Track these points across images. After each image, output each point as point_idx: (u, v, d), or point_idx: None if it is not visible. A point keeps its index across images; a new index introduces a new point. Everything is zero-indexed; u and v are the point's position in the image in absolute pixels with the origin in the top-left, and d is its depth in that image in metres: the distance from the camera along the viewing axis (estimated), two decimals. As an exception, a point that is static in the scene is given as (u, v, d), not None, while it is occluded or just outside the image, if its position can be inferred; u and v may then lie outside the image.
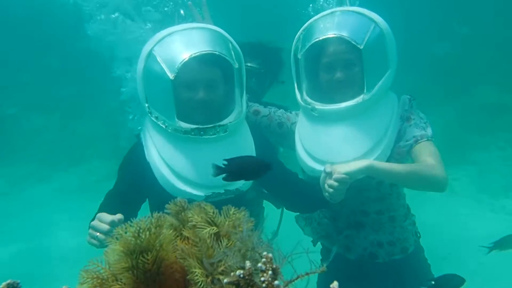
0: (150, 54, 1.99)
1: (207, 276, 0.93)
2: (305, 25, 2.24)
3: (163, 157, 2.01)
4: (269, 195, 2.38)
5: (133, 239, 0.92)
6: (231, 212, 1.08)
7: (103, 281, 0.94)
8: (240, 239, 0.92)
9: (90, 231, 1.72)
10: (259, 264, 0.83)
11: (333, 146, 2.14)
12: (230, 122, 2.04)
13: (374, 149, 2.10)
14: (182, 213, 1.10)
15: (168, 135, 2.02)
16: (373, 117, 2.15)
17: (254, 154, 2.13)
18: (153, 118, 2.02)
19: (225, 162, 1.70)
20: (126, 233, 0.93)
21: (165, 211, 1.13)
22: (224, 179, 1.71)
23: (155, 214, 0.98)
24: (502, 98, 8.48)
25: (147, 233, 0.92)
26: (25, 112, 9.99)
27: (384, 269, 2.33)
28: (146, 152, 2.07)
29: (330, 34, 2.09)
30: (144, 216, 0.99)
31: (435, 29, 9.10)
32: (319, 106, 2.17)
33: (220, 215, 1.06)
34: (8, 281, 0.85)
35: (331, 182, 1.91)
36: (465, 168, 7.24)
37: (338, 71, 2.13)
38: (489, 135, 7.97)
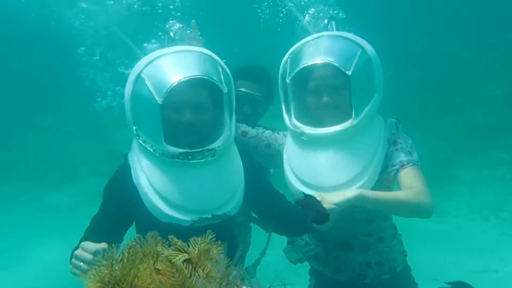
0: (138, 77, 1.97)
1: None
2: (293, 48, 2.25)
3: (150, 180, 1.97)
4: (257, 218, 2.35)
5: (106, 271, 0.90)
6: (198, 241, 1.07)
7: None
8: (218, 270, 0.90)
9: (73, 260, 1.64)
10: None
11: (321, 170, 2.13)
12: (218, 146, 2.01)
13: (362, 174, 2.10)
14: (142, 247, 1.08)
15: (156, 158, 1.99)
16: (361, 141, 2.15)
17: (242, 178, 2.12)
18: (140, 141, 1.99)
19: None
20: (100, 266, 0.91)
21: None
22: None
23: (127, 244, 0.97)
24: (488, 120, 8.56)
25: (120, 264, 0.91)
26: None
27: None
28: (133, 175, 2.02)
29: (318, 60, 2.10)
30: (116, 246, 0.97)
31: (423, 49, 9.23)
32: (308, 130, 2.17)
33: (188, 246, 1.04)
34: None
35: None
36: (457, 188, 7.26)
37: (325, 96, 2.13)
38: (479, 156, 8.02)
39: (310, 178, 2.15)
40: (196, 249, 1.03)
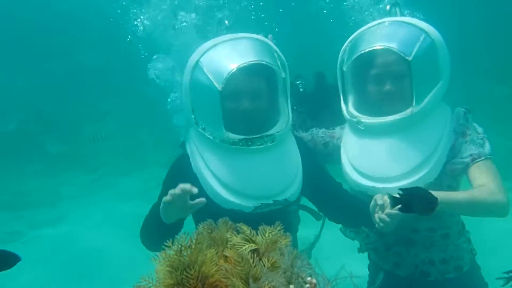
0: (196, 65, 2.01)
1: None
2: (353, 36, 2.20)
3: (211, 168, 2.01)
4: (307, 206, 2.35)
5: (175, 256, 0.94)
6: (267, 231, 1.08)
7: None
8: (284, 262, 0.91)
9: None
10: (303, 290, 0.81)
11: (379, 160, 2.07)
12: (277, 132, 2.03)
13: (423, 164, 2.02)
14: (213, 233, 1.11)
15: (215, 146, 2.03)
16: (422, 130, 2.06)
17: (300, 164, 2.12)
18: (200, 129, 2.04)
19: (400, 192, 1.66)
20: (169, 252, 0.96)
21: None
22: (400, 210, 1.69)
23: (196, 231, 1.00)
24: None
25: (188, 250, 0.94)
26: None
27: (436, 287, 2.22)
28: (192, 164, 2.07)
29: (378, 46, 2.03)
30: (184, 233, 1.01)
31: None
32: (364, 119, 2.12)
33: (257, 234, 1.06)
34: None
35: (383, 216, 1.86)
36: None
37: (388, 84, 2.06)
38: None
39: (367, 169, 2.11)
40: (264, 240, 1.04)
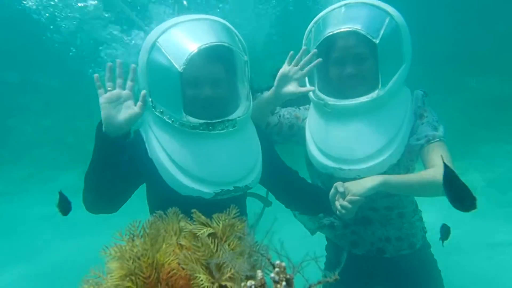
0: (154, 46, 1.89)
1: (213, 283, 0.86)
2: (317, 17, 2.16)
3: (169, 153, 1.91)
4: (256, 193, 2.34)
5: (127, 247, 0.85)
6: (222, 217, 1.02)
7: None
8: (246, 245, 0.85)
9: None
10: (272, 275, 0.76)
11: (347, 142, 2.07)
12: (238, 117, 1.96)
13: (388, 145, 2.03)
14: (164, 224, 1.03)
15: (174, 130, 1.92)
16: (387, 113, 2.07)
17: (260, 150, 2.08)
18: (157, 113, 1.92)
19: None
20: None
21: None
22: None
23: (149, 220, 0.92)
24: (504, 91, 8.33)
25: (142, 239, 0.86)
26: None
27: (391, 265, 2.28)
28: (148, 149, 1.96)
29: (344, 28, 2.00)
30: (137, 221, 0.92)
31: (437, 24, 8.93)
32: (332, 101, 2.10)
33: (212, 221, 0.99)
34: None
35: (344, 203, 1.89)
36: (473, 162, 7.14)
37: (349, 66, 2.06)
38: (495, 130, 7.85)
39: (334, 151, 2.09)
40: (220, 223, 0.97)
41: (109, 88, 1.80)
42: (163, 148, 1.92)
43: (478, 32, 8.62)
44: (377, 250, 2.28)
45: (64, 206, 2.00)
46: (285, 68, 2.14)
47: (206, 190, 1.89)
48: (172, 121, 1.90)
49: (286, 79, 2.14)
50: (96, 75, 1.79)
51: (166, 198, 1.81)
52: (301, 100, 2.32)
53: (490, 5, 8.39)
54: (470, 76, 8.57)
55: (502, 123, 7.85)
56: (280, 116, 2.34)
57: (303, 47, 2.14)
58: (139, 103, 1.80)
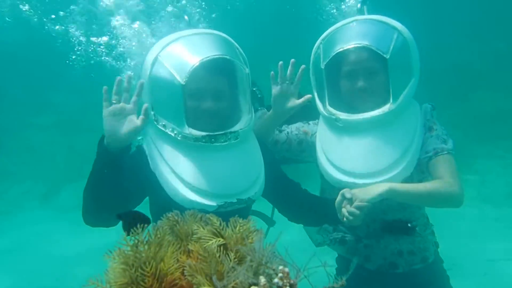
0: (156, 60, 1.91)
1: (217, 295, 0.85)
2: (325, 33, 2.19)
3: (171, 166, 1.90)
4: (259, 212, 2.35)
5: (131, 252, 0.83)
6: (238, 224, 1.00)
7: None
8: (252, 253, 0.83)
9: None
10: (276, 280, 0.75)
11: (359, 156, 2.08)
12: (241, 129, 1.96)
13: (401, 159, 2.06)
14: (177, 226, 1.02)
15: (177, 143, 1.92)
16: (398, 127, 2.10)
17: (262, 163, 2.07)
18: (160, 126, 1.92)
19: None
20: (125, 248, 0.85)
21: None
22: None
23: (154, 226, 0.90)
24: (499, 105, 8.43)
25: (146, 246, 0.84)
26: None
27: (403, 279, 2.25)
28: (150, 162, 1.95)
29: (355, 44, 2.04)
30: (142, 226, 0.90)
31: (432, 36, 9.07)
32: (343, 116, 2.11)
33: (228, 227, 0.98)
34: None
35: (352, 209, 1.89)
36: (467, 178, 7.17)
37: (361, 80, 2.08)
38: (489, 144, 7.91)
39: (347, 165, 2.10)
40: (234, 235, 0.95)
41: (114, 101, 1.81)
42: (166, 161, 1.91)
43: (476, 47, 8.76)
44: (389, 264, 2.26)
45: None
46: (275, 89, 2.16)
47: (209, 202, 1.87)
48: (175, 134, 1.90)
49: (281, 98, 2.16)
50: (105, 87, 1.81)
51: (169, 211, 1.81)
52: (305, 113, 2.33)
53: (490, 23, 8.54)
54: (467, 90, 8.66)
55: (496, 137, 7.92)
56: (288, 133, 2.34)
57: (280, 63, 2.14)
58: (141, 117, 1.82)
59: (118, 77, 1.82)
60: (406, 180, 2.05)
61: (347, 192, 1.93)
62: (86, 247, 5.39)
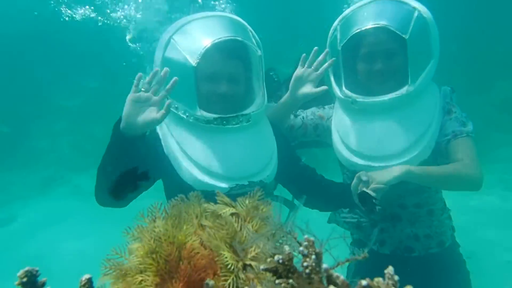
0: (169, 42, 1.91)
1: (237, 261, 0.84)
2: (343, 14, 2.15)
3: (184, 148, 1.91)
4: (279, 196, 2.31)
5: (149, 227, 0.83)
6: (246, 200, 0.99)
7: (126, 271, 0.86)
8: (270, 226, 0.82)
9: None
10: (301, 248, 0.73)
11: (377, 139, 2.05)
12: (253, 112, 1.96)
13: (419, 142, 2.02)
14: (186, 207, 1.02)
15: (189, 125, 1.93)
16: (417, 109, 2.06)
17: (275, 146, 2.06)
18: (172, 109, 1.92)
19: None
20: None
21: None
22: None
23: (170, 202, 0.90)
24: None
25: (163, 220, 0.84)
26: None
27: (419, 263, 2.22)
28: (163, 145, 1.96)
29: (373, 24, 1.99)
30: (157, 202, 0.91)
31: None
32: (360, 99, 2.08)
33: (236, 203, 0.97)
34: (26, 268, 0.77)
35: (368, 192, 1.87)
36: (490, 166, 7.02)
37: (379, 62, 2.04)
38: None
39: (364, 149, 2.07)
40: (244, 206, 0.95)
41: (142, 89, 1.80)
42: (178, 144, 1.92)
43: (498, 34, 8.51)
44: (405, 248, 2.23)
45: None
46: (299, 70, 2.13)
47: (221, 184, 1.87)
48: (187, 116, 1.91)
49: (301, 81, 2.13)
50: (139, 73, 1.78)
51: (182, 194, 1.81)
52: (320, 100, 2.30)
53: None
54: (490, 78, 8.45)
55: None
56: (303, 118, 2.32)
57: (315, 48, 2.12)
58: (162, 111, 1.78)
59: (156, 68, 1.83)
60: (423, 164, 2.01)
61: (363, 175, 1.91)
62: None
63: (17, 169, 9.03)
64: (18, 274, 0.82)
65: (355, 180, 1.94)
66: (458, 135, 2.04)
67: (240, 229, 0.86)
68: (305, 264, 0.73)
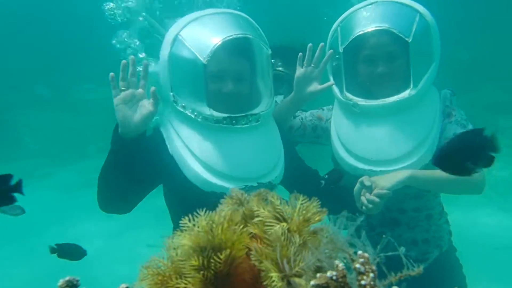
0: (176, 39, 1.86)
1: (282, 279, 0.82)
2: (343, 16, 2.13)
3: (191, 148, 1.87)
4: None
5: (204, 234, 0.80)
6: (299, 202, 0.97)
7: (166, 278, 0.84)
8: (329, 239, 0.81)
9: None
10: (357, 265, 0.72)
11: (378, 143, 2.04)
12: (262, 111, 1.93)
13: (420, 146, 2.02)
14: (242, 208, 0.99)
15: (197, 125, 1.88)
16: (418, 112, 2.05)
17: (282, 147, 2.05)
18: (179, 108, 1.88)
19: None
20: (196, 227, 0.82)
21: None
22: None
23: (229, 208, 0.87)
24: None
25: (220, 228, 0.81)
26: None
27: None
28: (169, 146, 1.92)
29: (376, 27, 1.98)
30: (215, 211, 0.88)
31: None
32: (361, 102, 2.07)
33: (287, 205, 0.95)
34: (68, 278, 0.75)
35: (372, 197, 1.87)
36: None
37: (381, 65, 2.03)
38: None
39: (365, 153, 2.06)
40: (295, 218, 0.92)
41: (122, 88, 1.75)
42: (185, 144, 1.88)
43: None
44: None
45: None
46: (299, 71, 2.11)
47: (230, 186, 1.83)
48: (195, 115, 1.87)
49: (304, 81, 2.11)
50: (111, 74, 1.74)
51: (187, 197, 1.78)
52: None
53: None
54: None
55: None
56: (302, 119, 2.31)
57: (309, 45, 2.09)
58: (150, 101, 1.75)
59: (123, 61, 1.75)
60: (424, 168, 2.02)
61: (366, 180, 1.90)
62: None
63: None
64: (59, 283, 0.79)
65: (357, 185, 1.93)
66: None
67: (286, 245, 0.84)
68: (363, 282, 0.72)
